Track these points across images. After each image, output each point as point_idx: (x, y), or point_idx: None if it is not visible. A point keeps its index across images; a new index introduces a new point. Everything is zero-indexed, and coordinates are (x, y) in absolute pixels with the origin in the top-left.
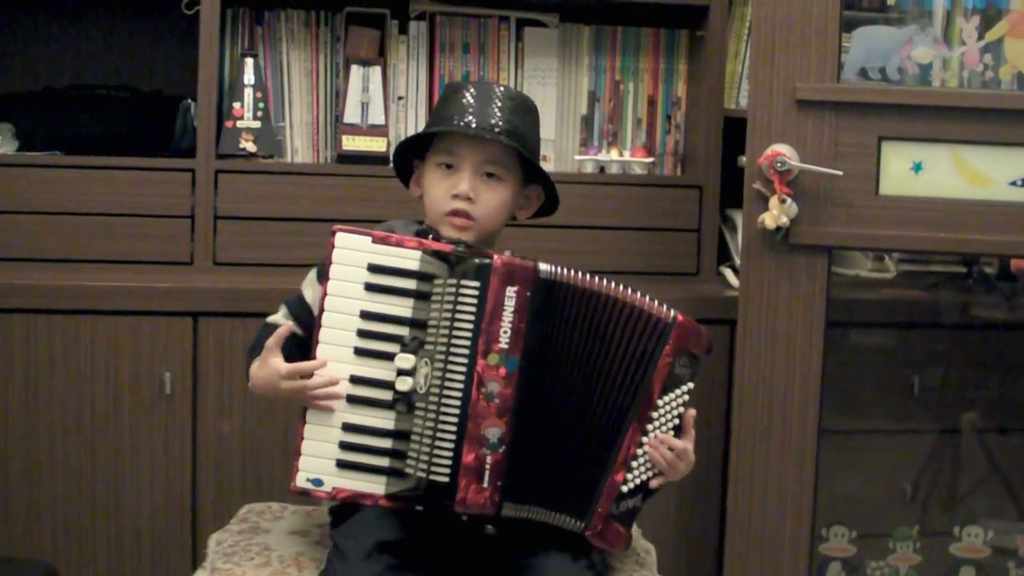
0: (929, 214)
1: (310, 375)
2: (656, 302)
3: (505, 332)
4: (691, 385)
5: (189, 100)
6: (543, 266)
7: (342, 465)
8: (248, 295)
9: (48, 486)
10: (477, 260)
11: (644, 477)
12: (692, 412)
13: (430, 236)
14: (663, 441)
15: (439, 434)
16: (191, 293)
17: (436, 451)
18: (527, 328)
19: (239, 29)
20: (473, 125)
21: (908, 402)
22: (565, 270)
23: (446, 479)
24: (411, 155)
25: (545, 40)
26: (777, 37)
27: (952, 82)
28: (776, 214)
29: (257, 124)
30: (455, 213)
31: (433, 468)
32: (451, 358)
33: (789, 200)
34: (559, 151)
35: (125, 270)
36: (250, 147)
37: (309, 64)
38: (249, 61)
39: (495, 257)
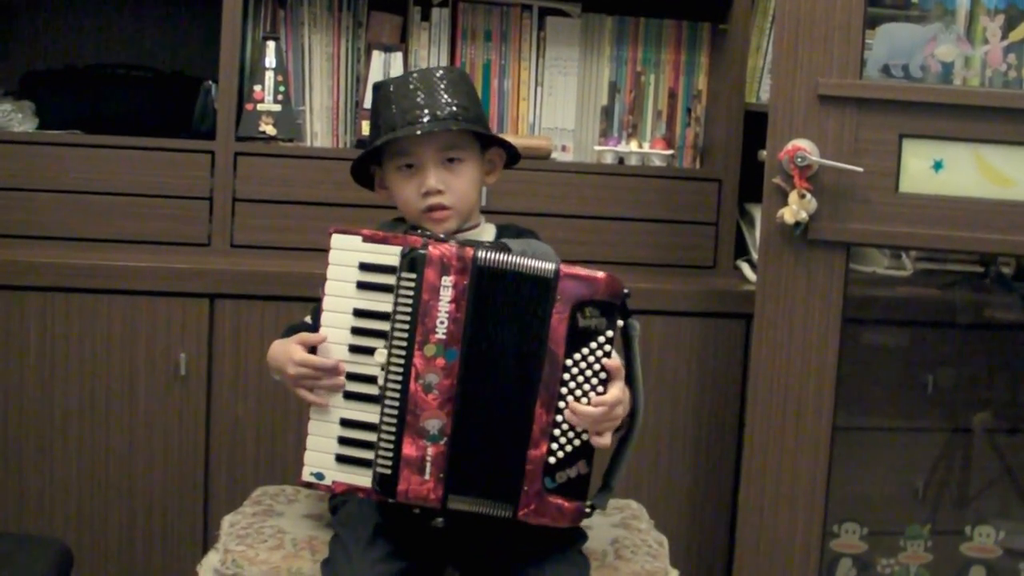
0: (949, 213)
1: (317, 373)
2: (543, 263)
3: (442, 323)
4: (609, 334)
5: (210, 82)
6: (480, 253)
7: (340, 459)
8: (265, 278)
9: (62, 465)
10: (416, 251)
11: (577, 443)
12: (614, 362)
13: (418, 232)
14: (575, 410)
15: (384, 427)
16: (208, 275)
17: (382, 443)
18: (466, 318)
19: (262, 12)
20: (424, 120)
21: (922, 401)
22: (498, 255)
23: (389, 471)
24: (367, 163)
25: (567, 30)
26: (800, 32)
27: (974, 81)
28: (795, 209)
29: (277, 107)
30: (431, 208)
31: (379, 460)
32: (393, 351)
33: (808, 195)
34: (579, 141)
35: (143, 250)
36: (270, 130)
37: (331, 48)
38: (271, 44)
39: (431, 247)
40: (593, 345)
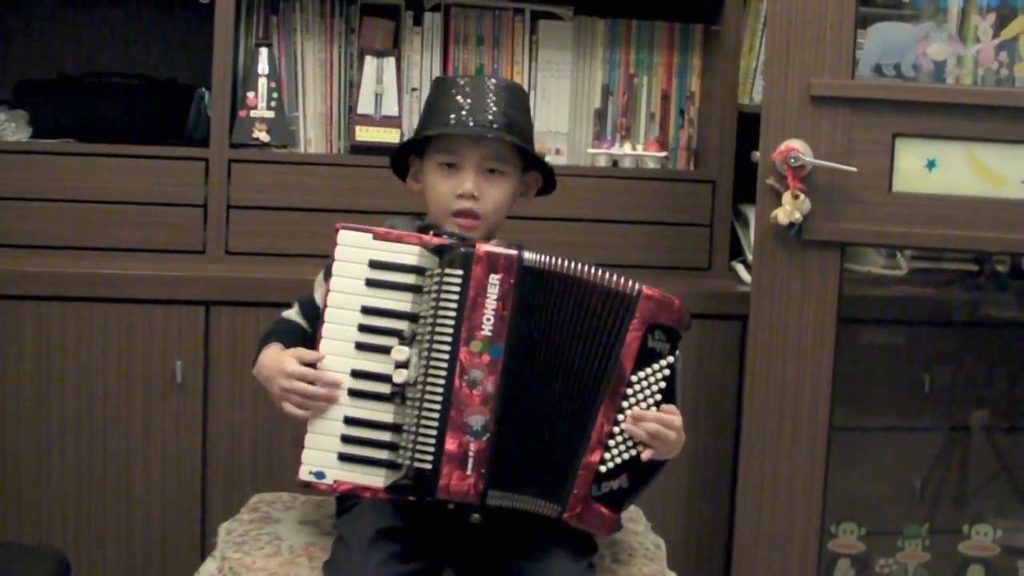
0: (942, 211)
1: (308, 388)
2: (623, 279)
3: (488, 320)
4: (671, 359)
5: (203, 89)
6: (527, 254)
7: (343, 458)
8: (260, 285)
9: (59, 474)
10: (462, 249)
11: (627, 456)
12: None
13: (431, 232)
14: (641, 417)
15: (423, 422)
16: (203, 282)
17: (420, 439)
18: (511, 316)
19: (254, 19)
20: (471, 123)
21: (918, 400)
22: (548, 257)
23: (429, 466)
24: (408, 152)
25: (559, 33)
26: (792, 32)
27: (967, 79)
28: (789, 210)
29: (271, 114)
30: (461, 213)
31: (417, 455)
32: (435, 347)
33: (802, 196)
34: (572, 144)
35: (137, 258)
36: (263, 137)
37: (323, 54)
38: (263, 51)
39: (478, 246)
40: (656, 367)
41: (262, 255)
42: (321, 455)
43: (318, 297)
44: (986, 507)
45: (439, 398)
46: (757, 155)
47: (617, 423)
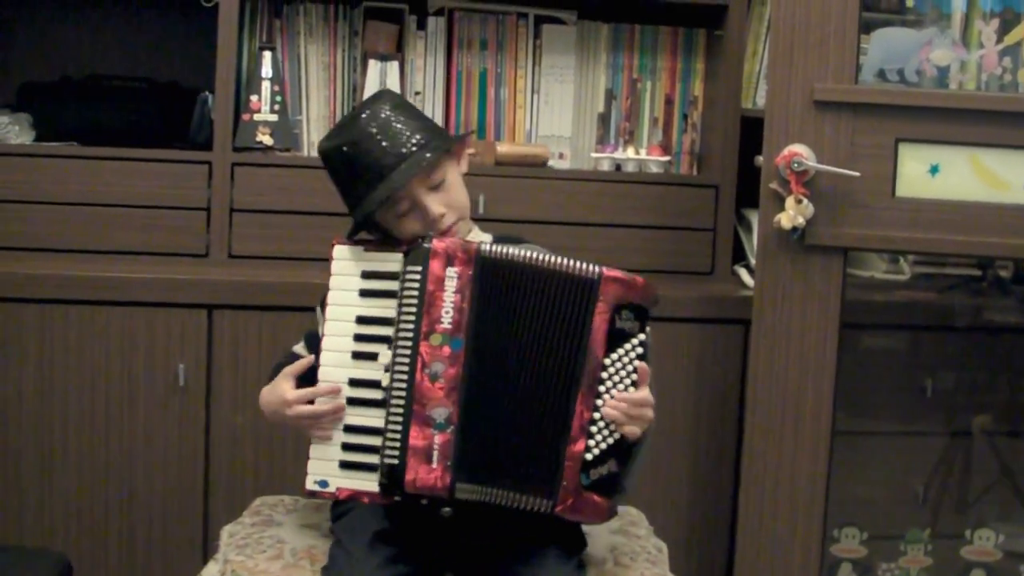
0: (946, 216)
1: (315, 408)
2: (583, 264)
3: (447, 313)
4: (642, 337)
5: (207, 92)
6: (485, 246)
7: (344, 466)
8: (263, 288)
9: (61, 477)
10: (423, 245)
11: (611, 440)
12: (644, 366)
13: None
14: (620, 399)
15: (391, 418)
16: (206, 285)
17: (389, 435)
18: (471, 308)
19: (258, 22)
20: (399, 165)
21: (921, 404)
22: (507, 248)
23: (396, 460)
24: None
25: (563, 37)
26: (796, 37)
27: (970, 85)
28: (792, 214)
29: (274, 117)
30: (443, 233)
31: (386, 451)
32: (399, 343)
33: (805, 200)
34: (575, 148)
35: (140, 262)
36: (267, 140)
37: (327, 58)
38: (267, 54)
39: (435, 241)
40: (628, 347)
41: (265, 258)
42: (324, 464)
43: (320, 329)
44: (988, 512)
45: (403, 392)
46: (760, 159)
47: (597, 409)
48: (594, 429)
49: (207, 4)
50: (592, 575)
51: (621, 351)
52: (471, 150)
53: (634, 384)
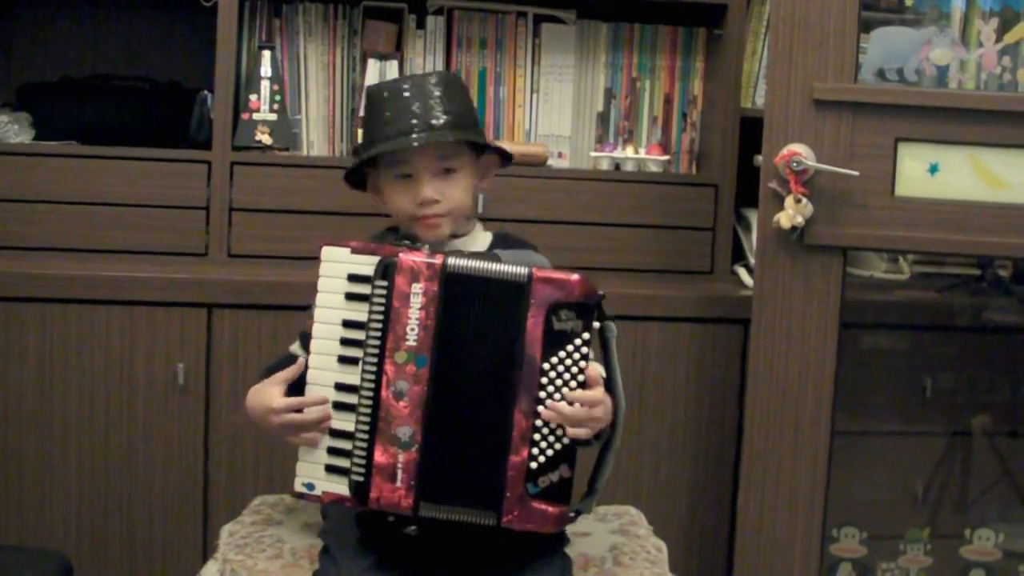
0: (945, 216)
1: (301, 417)
2: (516, 268)
3: (412, 330)
4: (586, 336)
5: (206, 92)
6: (452, 260)
7: (329, 470)
8: (262, 287)
9: (62, 476)
10: (389, 259)
11: (558, 446)
12: (593, 370)
13: (406, 242)
14: (564, 401)
15: (358, 434)
16: (205, 285)
17: (355, 451)
18: (436, 325)
19: (257, 21)
20: (416, 131)
21: (920, 404)
22: (470, 261)
23: (360, 478)
24: (361, 168)
25: (562, 36)
26: (795, 36)
27: (969, 84)
28: (791, 214)
29: (273, 117)
30: (425, 217)
31: (352, 468)
32: (366, 360)
33: (805, 200)
34: (574, 147)
35: (140, 261)
36: (266, 139)
37: (326, 57)
38: (266, 53)
39: (401, 256)
40: (570, 348)
41: (264, 258)
42: (311, 467)
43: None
44: (988, 511)
45: (368, 410)
46: (759, 159)
47: (537, 415)
48: (537, 436)
49: (206, 3)
50: (592, 575)
51: (563, 353)
52: (497, 171)
53: (581, 385)
